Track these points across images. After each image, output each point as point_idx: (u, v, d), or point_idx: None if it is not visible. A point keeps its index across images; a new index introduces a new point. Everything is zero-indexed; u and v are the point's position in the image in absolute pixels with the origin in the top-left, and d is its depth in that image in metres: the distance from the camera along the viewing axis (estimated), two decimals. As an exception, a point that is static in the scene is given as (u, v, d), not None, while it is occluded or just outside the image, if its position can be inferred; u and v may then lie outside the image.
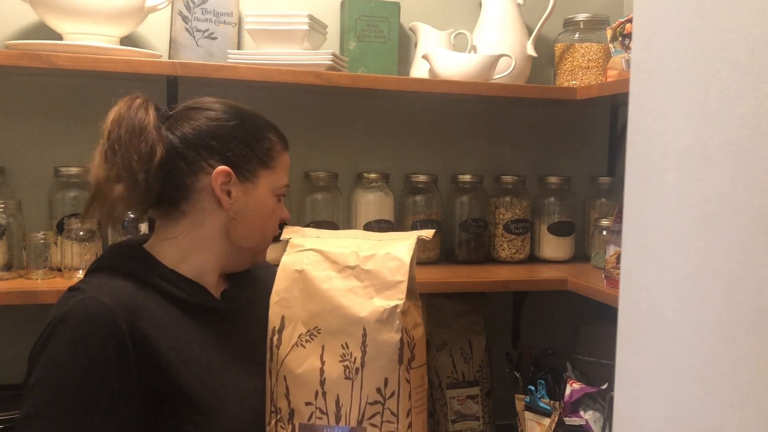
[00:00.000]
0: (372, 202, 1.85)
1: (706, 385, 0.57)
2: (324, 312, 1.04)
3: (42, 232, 1.57)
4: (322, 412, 1.01)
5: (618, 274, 1.49)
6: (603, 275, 1.64)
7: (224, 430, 1.05)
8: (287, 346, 1.05)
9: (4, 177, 1.66)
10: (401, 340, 1.00)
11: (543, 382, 1.69)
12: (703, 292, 0.57)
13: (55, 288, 1.48)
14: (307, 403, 1.02)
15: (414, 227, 1.89)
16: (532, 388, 1.66)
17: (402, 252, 1.05)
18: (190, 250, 1.14)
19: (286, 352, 1.05)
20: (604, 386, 1.63)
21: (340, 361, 1.02)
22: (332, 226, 1.81)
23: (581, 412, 1.63)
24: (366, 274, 1.04)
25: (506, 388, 1.82)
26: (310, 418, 1.02)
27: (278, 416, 1.05)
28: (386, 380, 1.00)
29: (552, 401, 1.62)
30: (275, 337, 1.06)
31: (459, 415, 1.82)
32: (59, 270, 1.59)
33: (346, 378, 1.01)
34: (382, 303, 1.02)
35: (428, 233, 1.11)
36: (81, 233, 1.56)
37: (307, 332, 1.04)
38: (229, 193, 1.12)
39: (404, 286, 1.02)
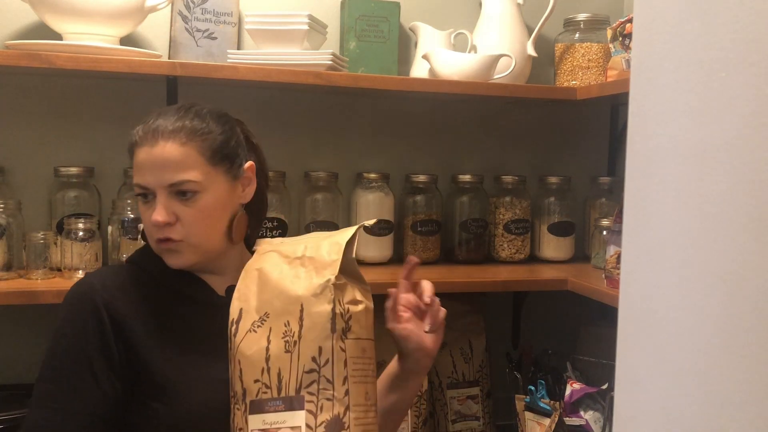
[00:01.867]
0: (372, 202, 1.85)
1: (706, 385, 0.57)
2: (272, 298, 1.12)
3: (42, 232, 1.57)
4: (266, 386, 1.08)
5: (618, 274, 1.49)
6: (603, 275, 1.64)
7: (189, 411, 1.12)
8: (242, 333, 1.12)
9: (4, 177, 1.66)
10: (333, 310, 1.07)
11: (543, 382, 1.69)
12: (703, 292, 0.57)
13: (55, 288, 1.48)
14: (255, 381, 1.09)
15: (414, 227, 1.89)
16: (532, 388, 1.66)
17: (341, 238, 1.13)
18: None
19: (240, 339, 1.12)
20: (604, 386, 1.63)
21: (282, 338, 1.09)
22: (332, 226, 1.81)
23: (581, 412, 1.63)
24: (310, 260, 1.12)
25: (506, 388, 1.82)
26: (257, 394, 1.09)
27: (235, 399, 1.11)
28: (320, 349, 1.06)
29: (552, 401, 1.62)
30: (233, 328, 1.14)
31: (459, 415, 1.82)
32: (59, 270, 1.59)
33: (286, 351, 1.08)
34: (317, 280, 1.09)
35: (369, 222, 1.20)
36: (81, 233, 1.56)
37: (259, 318, 1.12)
38: None
39: (338, 264, 1.09)
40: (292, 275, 1.12)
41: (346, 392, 1.06)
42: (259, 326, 1.11)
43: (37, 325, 1.74)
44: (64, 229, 1.57)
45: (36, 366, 1.76)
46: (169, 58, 1.76)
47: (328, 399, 1.05)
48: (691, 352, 0.58)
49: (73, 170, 1.65)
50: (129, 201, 1.61)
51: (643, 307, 0.64)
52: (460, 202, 1.95)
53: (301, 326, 1.08)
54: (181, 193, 1.15)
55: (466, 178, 1.93)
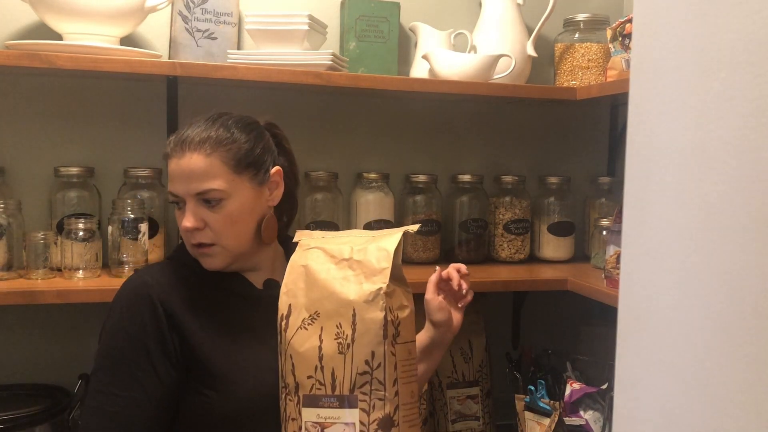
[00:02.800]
0: (372, 202, 1.85)
1: (706, 385, 0.57)
2: (322, 298, 1.19)
3: (42, 232, 1.57)
4: (320, 383, 1.16)
5: (618, 274, 1.49)
6: (603, 275, 1.64)
7: (240, 398, 1.20)
8: (293, 329, 1.20)
9: (4, 177, 1.66)
10: (385, 317, 1.15)
11: (543, 382, 1.69)
12: (703, 292, 0.57)
13: (55, 288, 1.48)
14: (309, 377, 1.17)
15: (414, 227, 1.89)
16: (532, 388, 1.66)
17: (388, 244, 1.20)
18: None
19: (292, 335, 1.20)
20: (604, 386, 1.63)
21: (335, 339, 1.17)
22: (332, 226, 1.81)
23: (581, 412, 1.63)
24: (358, 264, 1.19)
25: (506, 388, 1.83)
26: (311, 390, 1.17)
27: (287, 390, 1.19)
28: (373, 353, 1.14)
29: (552, 401, 1.62)
30: (283, 323, 1.21)
31: (459, 415, 1.82)
32: (59, 270, 1.59)
33: (340, 353, 1.16)
34: (369, 287, 1.16)
35: (413, 227, 1.29)
36: (81, 233, 1.56)
37: (309, 316, 1.19)
38: None
39: (388, 272, 1.17)
40: (340, 277, 1.19)
41: (396, 393, 1.15)
42: (309, 324, 1.19)
43: (37, 325, 1.74)
44: (64, 229, 1.57)
45: (35, 366, 1.75)
46: (169, 58, 1.76)
47: (380, 399, 1.14)
48: (691, 352, 0.58)
49: (73, 170, 1.65)
50: (129, 201, 1.61)
51: (643, 307, 0.64)
52: (460, 202, 1.95)
53: (354, 330, 1.15)
54: (207, 200, 1.23)
55: (466, 178, 1.93)
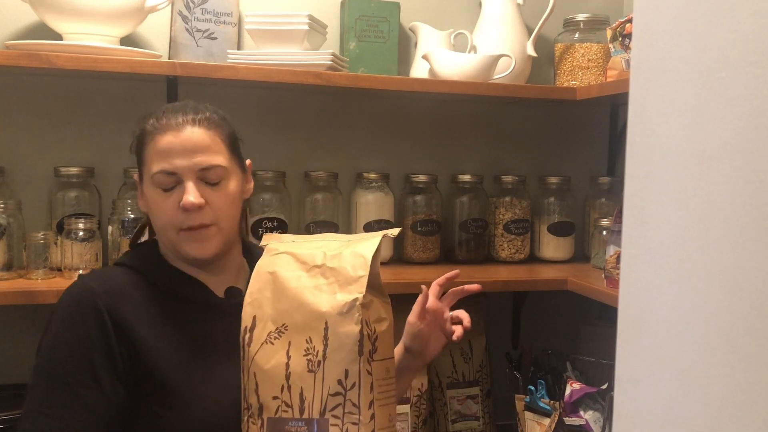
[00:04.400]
0: (372, 202, 1.85)
1: (706, 385, 0.57)
2: (291, 309, 1.08)
3: (42, 232, 1.57)
4: (287, 405, 1.05)
5: (618, 274, 1.49)
6: (603, 275, 1.64)
7: (197, 418, 1.10)
8: (257, 343, 1.09)
9: (4, 177, 1.66)
10: (361, 332, 1.03)
11: (543, 382, 1.69)
12: (703, 292, 0.57)
13: (55, 288, 1.48)
14: (274, 398, 1.06)
15: (414, 227, 1.89)
16: (532, 388, 1.66)
17: (365, 250, 1.09)
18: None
19: (256, 350, 1.08)
20: (604, 386, 1.63)
21: (304, 355, 1.05)
22: (332, 226, 1.81)
23: (581, 412, 1.63)
24: (331, 271, 1.08)
25: (506, 388, 1.82)
26: (276, 412, 1.06)
27: (250, 411, 1.08)
28: (347, 372, 1.03)
29: (552, 401, 1.62)
30: (247, 336, 1.10)
31: (459, 415, 1.82)
32: (59, 270, 1.59)
33: (309, 371, 1.05)
34: (343, 297, 1.05)
35: (393, 232, 1.16)
36: (81, 233, 1.56)
37: (276, 330, 1.08)
38: (142, 196, 1.22)
39: (365, 281, 1.05)
40: (311, 286, 1.08)
41: (372, 416, 1.03)
42: (276, 338, 1.07)
43: (37, 325, 1.74)
44: (64, 229, 1.57)
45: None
46: (169, 58, 1.76)
47: (353, 423, 1.03)
48: (691, 352, 0.58)
49: (73, 170, 1.65)
50: (129, 201, 1.61)
51: (643, 307, 0.64)
52: (460, 202, 1.95)
53: (326, 346, 1.04)
54: (209, 177, 1.15)
55: (466, 178, 1.93)
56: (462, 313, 1.31)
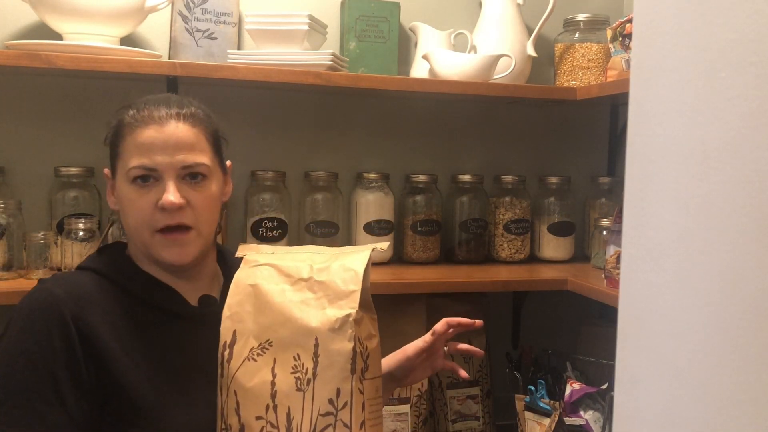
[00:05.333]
0: (372, 202, 1.85)
1: (706, 385, 0.57)
2: (276, 324, 1.03)
3: (42, 232, 1.57)
4: (272, 425, 0.99)
5: (618, 274, 1.49)
6: (603, 275, 1.64)
7: None
8: (238, 360, 1.03)
9: (4, 177, 1.66)
10: (354, 349, 0.99)
11: (543, 382, 1.69)
12: (703, 292, 0.57)
13: (55, 288, 1.48)
14: (258, 418, 1.00)
15: (414, 227, 1.89)
16: (532, 388, 1.66)
17: (356, 263, 1.04)
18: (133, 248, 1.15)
19: (237, 367, 1.03)
20: (604, 386, 1.63)
21: (292, 373, 1.00)
22: (332, 226, 1.81)
23: (581, 412, 1.63)
24: (319, 285, 1.03)
25: (506, 388, 1.82)
26: None
27: None
28: (338, 390, 0.99)
29: (552, 401, 1.62)
30: (226, 352, 1.04)
31: (459, 415, 1.82)
32: (59, 270, 1.59)
33: (298, 390, 0.99)
34: (334, 312, 1.00)
35: (382, 245, 1.11)
36: (81, 233, 1.56)
37: (259, 346, 1.03)
38: (113, 193, 1.14)
39: (357, 296, 1.01)
40: (298, 300, 1.03)
41: None
42: (259, 354, 1.02)
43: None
44: (64, 229, 1.57)
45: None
46: (169, 58, 1.76)
47: None
48: (691, 352, 0.58)
49: (73, 170, 1.65)
50: (129, 201, 1.61)
51: (643, 307, 0.64)
52: (460, 202, 1.95)
53: (316, 363, 0.99)
54: (192, 176, 1.08)
55: (466, 178, 1.93)
56: (473, 350, 1.31)
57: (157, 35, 1.79)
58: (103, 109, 1.77)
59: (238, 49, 1.81)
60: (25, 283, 1.52)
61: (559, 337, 2.00)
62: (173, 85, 1.68)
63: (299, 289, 1.04)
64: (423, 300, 1.76)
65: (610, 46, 1.76)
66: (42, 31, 1.65)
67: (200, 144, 1.09)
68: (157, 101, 1.10)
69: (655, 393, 0.62)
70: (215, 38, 1.77)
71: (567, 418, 1.61)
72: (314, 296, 1.03)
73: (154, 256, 1.10)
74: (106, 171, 1.15)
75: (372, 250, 1.08)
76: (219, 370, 1.05)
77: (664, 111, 0.61)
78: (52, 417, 0.98)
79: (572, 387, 1.65)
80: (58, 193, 1.67)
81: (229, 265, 1.19)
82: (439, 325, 1.25)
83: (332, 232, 1.81)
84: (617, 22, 1.74)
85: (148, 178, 1.07)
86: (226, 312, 1.06)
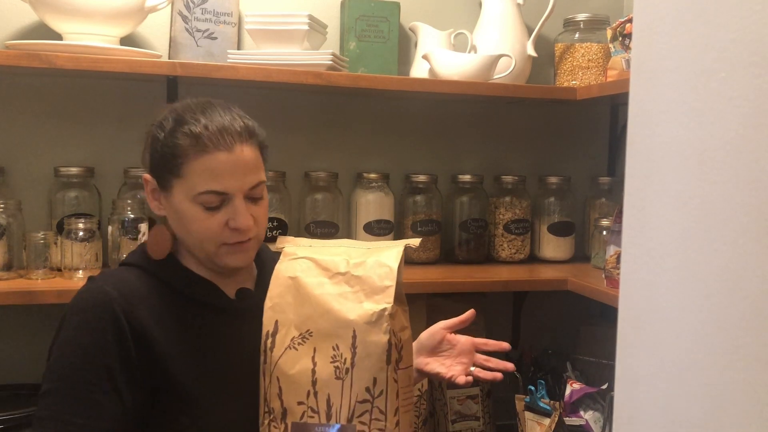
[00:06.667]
0: (372, 202, 1.85)
1: (706, 385, 0.57)
2: (316, 316, 1.09)
3: (42, 232, 1.57)
4: (313, 411, 1.06)
5: (618, 274, 1.49)
6: (603, 275, 1.64)
7: (216, 425, 1.09)
8: (280, 348, 1.10)
9: (4, 177, 1.66)
10: (389, 341, 1.06)
11: (543, 382, 1.69)
12: (703, 292, 0.57)
13: (55, 288, 1.48)
14: (300, 403, 1.07)
15: (414, 227, 1.89)
16: (532, 388, 1.66)
17: (390, 259, 1.11)
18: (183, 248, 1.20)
19: (279, 354, 1.10)
20: (604, 386, 1.63)
21: (331, 362, 1.07)
22: (332, 226, 1.81)
23: (581, 412, 1.63)
24: (356, 279, 1.10)
25: (506, 388, 1.82)
26: (302, 417, 1.07)
27: (271, 416, 1.09)
28: (375, 380, 1.06)
29: (552, 401, 1.62)
30: (269, 341, 1.11)
31: (459, 415, 1.82)
32: (59, 270, 1.59)
33: (337, 378, 1.06)
34: (371, 306, 1.07)
35: (414, 242, 1.17)
36: (81, 233, 1.56)
37: (300, 335, 1.09)
38: (159, 200, 1.17)
39: (392, 291, 1.08)
40: (336, 293, 1.09)
41: (397, 423, 1.07)
42: (300, 344, 1.09)
43: (37, 325, 1.74)
44: (64, 229, 1.57)
45: (35, 366, 1.75)
46: (169, 58, 1.76)
47: (380, 429, 1.06)
48: (691, 352, 0.58)
49: (73, 170, 1.65)
50: (129, 201, 1.61)
51: (643, 307, 0.64)
52: (460, 202, 1.95)
53: (354, 354, 1.06)
54: (255, 194, 1.14)
55: (466, 178, 1.93)
56: (498, 364, 1.33)
57: (157, 35, 1.79)
58: (103, 109, 1.77)
59: (238, 49, 1.81)
60: (25, 283, 1.52)
61: (559, 337, 2.00)
62: (173, 85, 1.68)
63: (337, 282, 1.10)
64: (423, 300, 1.76)
65: (610, 46, 1.76)
66: (42, 31, 1.64)
67: (259, 161, 1.15)
68: (215, 122, 1.11)
69: (655, 393, 0.62)
70: (215, 38, 1.77)
71: (567, 418, 1.61)
72: (351, 290, 1.09)
73: (216, 262, 1.15)
74: (148, 177, 1.17)
75: (404, 247, 1.14)
76: (262, 357, 1.11)
77: (664, 111, 0.61)
78: (108, 406, 1.04)
79: (572, 387, 1.65)
80: (58, 193, 1.66)
81: (261, 257, 1.24)
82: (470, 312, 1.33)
83: (332, 232, 1.81)
84: (617, 22, 1.74)
85: (218, 202, 1.11)
86: (267, 303, 1.13)
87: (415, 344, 1.30)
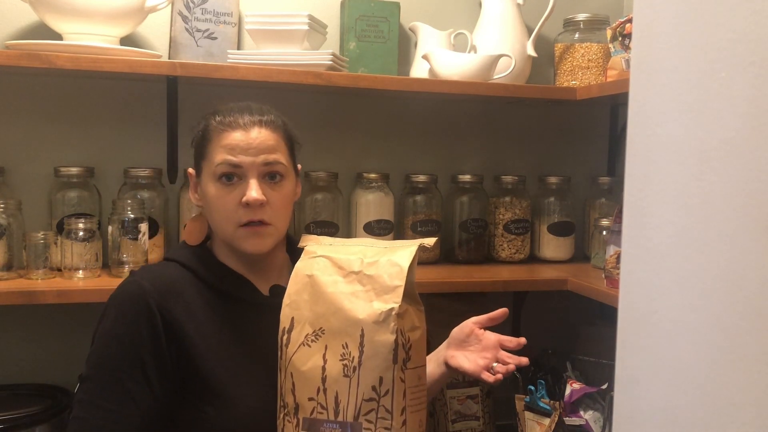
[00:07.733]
0: (372, 202, 1.85)
1: (706, 385, 0.57)
2: (328, 314, 1.11)
3: (42, 232, 1.57)
4: (322, 407, 1.09)
5: (618, 274, 1.49)
6: (603, 275, 1.64)
7: (240, 416, 1.15)
8: (295, 345, 1.13)
9: (4, 177, 1.66)
10: (396, 341, 1.07)
11: (543, 382, 1.69)
12: (703, 292, 0.57)
13: (55, 288, 1.48)
14: (310, 399, 1.10)
15: (414, 227, 1.89)
16: (532, 388, 1.66)
17: (402, 259, 1.12)
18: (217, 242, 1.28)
19: (293, 351, 1.12)
20: (604, 386, 1.63)
21: (340, 360, 1.09)
22: (332, 226, 1.81)
23: (581, 412, 1.63)
24: (368, 279, 1.11)
25: (506, 388, 1.82)
26: (312, 413, 1.09)
27: (286, 410, 1.12)
28: (381, 379, 1.07)
29: (552, 401, 1.62)
30: (285, 337, 1.14)
31: (459, 415, 1.82)
32: (59, 270, 1.59)
33: (345, 376, 1.08)
34: (379, 306, 1.08)
35: (429, 241, 1.19)
36: (81, 233, 1.56)
37: (313, 332, 1.12)
38: (197, 190, 1.27)
39: (401, 291, 1.09)
40: (348, 292, 1.11)
41: (404, 422, 1.08)
42: (313, 341, 1.11)
43: (37, 325, 1.74)
44: (64, 229, 1.57)
45: (36, 366, 1.74)
46: (169, 58, 1.76)
47: (386, 428, 1.07)
48: (691, 352, 0.58)
49: (73, 170, 1.65)
50: (129, 201, 1.60)
51: (643, 307, 0.64)
52: (460, 202, 1.95)
53: (361, 352, 1.08)
54: (271, 175, 1.20)
55: (466, 178, 1.93)
56: (515, 360, 1.35)
57: (157, 35, 1.79)
58: (103, 109, 1.77)
59: (238, 49, 1.81)
60: (25, 283, 1.52)
61: (559, 337, 2.00)
62: (173, 85, 1.68)
63: (350, 281, 1.12)
64: (423, 300, 1.76)
65: (610, 46, 1.76)
66: (42, 31, 1.64)
67: (279, 146, 1.22)
68: (240, 109, 1.23)
69: (655, 393, 0.62)
70: (215, 38, 1.77)
71: (567, 418, 1.61)
72: (363, 289, 1.11)
73: (236, 247, 1.22)
74: (191, 170, 1.28)
75: (418, 247, 1.16)
76: (279, 353, 1.15)
77: (664, 111, 0.61)
78: (139, 394, 1.12)
79: (572, 387, 1.65)
80: (58, 193, 1.66)
81: (296, 256, 1.28)
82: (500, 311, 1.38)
83: (332, 232, 1.81)
84: (617, 22, 1.74)
85: (233, 176, 1.19)
86: (285, 300, 1.16)
87: (446, 340, 1.35)
